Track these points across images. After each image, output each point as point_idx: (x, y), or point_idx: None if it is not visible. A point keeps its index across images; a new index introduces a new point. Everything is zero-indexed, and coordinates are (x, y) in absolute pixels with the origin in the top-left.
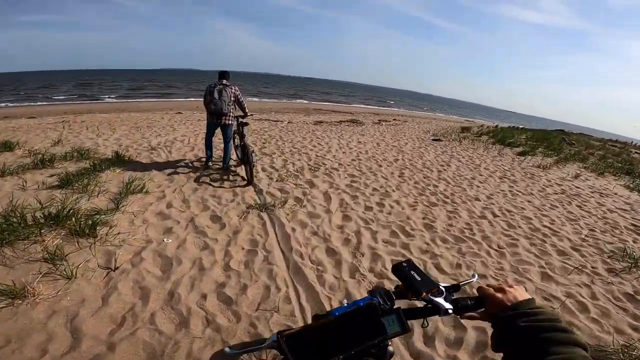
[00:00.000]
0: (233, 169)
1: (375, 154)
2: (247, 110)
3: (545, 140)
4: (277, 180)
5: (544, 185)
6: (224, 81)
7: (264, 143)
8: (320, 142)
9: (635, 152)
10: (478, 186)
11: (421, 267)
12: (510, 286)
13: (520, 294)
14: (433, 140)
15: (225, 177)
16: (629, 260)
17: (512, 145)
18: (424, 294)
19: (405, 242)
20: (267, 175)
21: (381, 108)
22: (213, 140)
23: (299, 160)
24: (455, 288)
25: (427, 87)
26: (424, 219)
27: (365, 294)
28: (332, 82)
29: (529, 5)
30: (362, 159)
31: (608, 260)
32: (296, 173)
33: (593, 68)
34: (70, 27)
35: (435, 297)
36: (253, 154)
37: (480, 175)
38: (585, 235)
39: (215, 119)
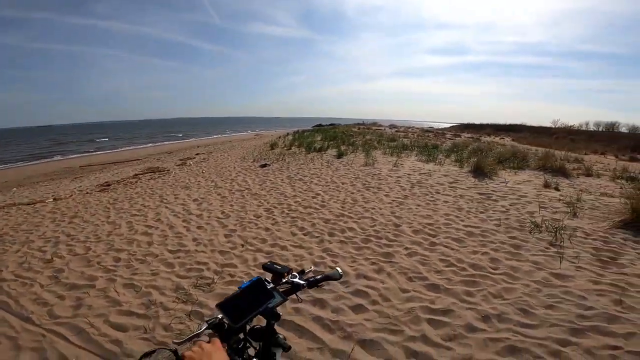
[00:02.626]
0: None
1: (235, 210)
2: None
3: (335, 137)
4: None
5: (400, 183)
6: None
7: (50, 261)
8: (147, 221)
9: (380, 129)
10: (365, 205)
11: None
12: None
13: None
14: (261, 167)
15: None
16: None
17: (321, 150)
18: (285, 275)
19: None
20: None
21: (166, 143)
22: None
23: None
24: (302, 272)
25: (200, 111)
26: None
27: None
28: (80, 125)
29: (271, 21)
30: (230, 223)
31: None
32: None
33: (325, 70)
34: None
35: (294, 278)
36: None
37: (340, 190)
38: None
39: None
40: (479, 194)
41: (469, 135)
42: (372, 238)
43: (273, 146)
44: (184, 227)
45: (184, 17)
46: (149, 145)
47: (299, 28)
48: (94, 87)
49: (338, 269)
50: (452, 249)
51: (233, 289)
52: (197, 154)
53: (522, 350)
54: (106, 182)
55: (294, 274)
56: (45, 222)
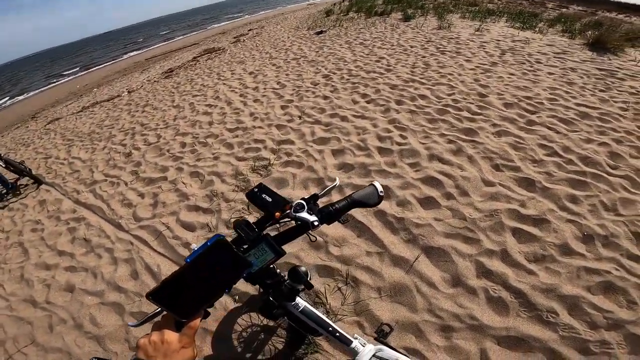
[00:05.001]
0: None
1: (291, 79)
2: None
3: (399, 1)
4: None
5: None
6: None
7: (129, 155)
8: (207, 100)
9: None
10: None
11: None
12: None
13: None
14: (317, 34)
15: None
16: None
17: (383, 13)
18: (277, 213)
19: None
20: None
21: (220, 25)
22: None
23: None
24: (314, 198)
25: None
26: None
27: None
28: (136, 26)
29: None
30: (286, 94)
31: None
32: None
33: None
34: None
35: (299, 212)
36: (22, 162)
37: (415, 54)
38: None
39: None
40: (599, 69)
41: (581, 8)
42: (449, 109)
43: (328, 13)
44: (241, 101)
45: None
46: (193, 34)
47: None
48: None
49: (377, 184)
50: (558, 133)
51: (290, 171)
52: (250, 30)
53: (618, 290)
54: (169, 68)
55: (299, 204)
56: (123, 114)
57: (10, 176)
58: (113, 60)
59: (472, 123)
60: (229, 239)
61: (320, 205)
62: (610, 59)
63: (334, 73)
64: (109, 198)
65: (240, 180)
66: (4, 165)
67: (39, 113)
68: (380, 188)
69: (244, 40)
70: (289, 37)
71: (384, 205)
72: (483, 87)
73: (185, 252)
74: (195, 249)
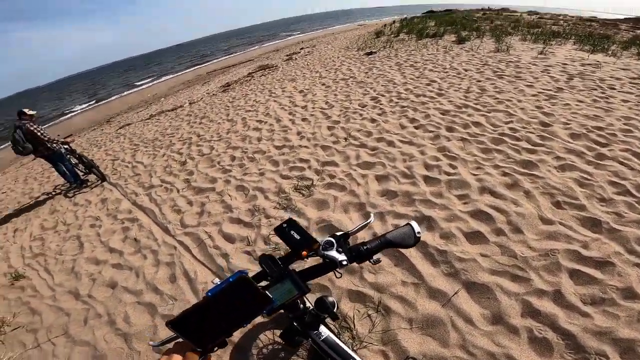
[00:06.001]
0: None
1: (339, 100)
2: (48, 139)
3: (453, 23)
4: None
5: (552, 73)
6: (17, 122)
7: (184, 163)
8: (258, 116)
9: (518, 15)
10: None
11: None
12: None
13: None
14: (367, 55)
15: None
16: None
17: (436, 36)
18: (304, 252)
19: None
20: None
21: (274, 43)
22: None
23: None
24: (345, 236)
25: (304, 9)
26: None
27: None
28: (195, 42)
29: None
30: (334, 114)
31: None
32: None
33: None
34: None
35: (328, 250)
36: (92, 160)
37: (475, 80)
38: None
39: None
40: None
41: None
42: (506, 138)
43: (379, 34)
44: (290, 120)
45: None
46: (250, 49)
47: None
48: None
49: (414, 225)
50: (632, 169)
51: (332, 194)
52: (302, 49)
53: None
54: (227, 83)
55: (328, 242)
56: (183, 124)
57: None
58: (180, 72)
59: (531, 155)
60: (252, 273)
61: (351, 243)
62: None
63: (383, 95)
64: (162, 203)
65: (283, 198)
66: (77, 162)
67: (113, 118)
68: (417, 228)
69: (295, 58)
70: (338, 57)
71: (426, 236)
72: (546, 116)
73: (223, 263)
74: (218, 283)
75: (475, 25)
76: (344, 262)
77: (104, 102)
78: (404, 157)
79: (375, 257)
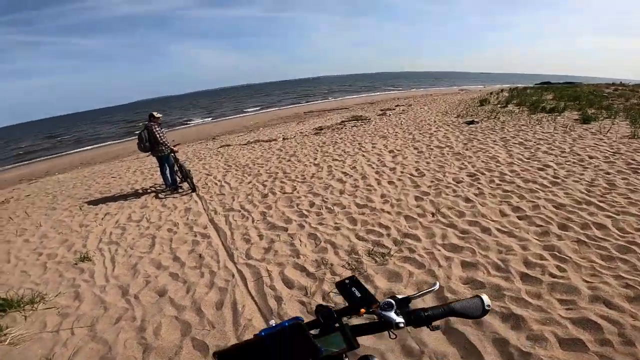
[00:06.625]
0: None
1: (432, 169)
2: (163, 142)
3: (577, 98)
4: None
5: None
6: (147, 123)
7: (266, 196)
8: (344, 167)
9: None
10: None
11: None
12: None
13: None
14: (467, 124)
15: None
16: None
17: (554, 111)
18: (362, 311)
19: None
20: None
21: (370, 95)
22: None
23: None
24: (406, 300)
25: (401, 66)
26: None
27: None
28: (304, 80)
29: None
30: (424, 184)
31: None
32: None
33: (546, 21)
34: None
35: (386, 311)
36: (189, 171)
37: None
38: None
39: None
40: None
41: None
42: (635, 248)
43: (483, 102)
44: (376, 179)
45: None
46: (348, 97)
47: None
48: (309, 47)
49: (484, 297)
50: None
51: (407, 268)
52: (397, 106)
53: None
54: (320, 126)
55: (388, 302)
56: (273, 158)
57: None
58: (282, 106)
59: None
60: (306, 321)
61: (411, 308)
62: None
63: (482, 173)
64: (235, 228)
65: (354, 259)
66: (177, 169)
67: (218, 136)
68: (487, 302)
69: (389, 114)
70: (435, 122)
71: (508, 334)
72: None
73: (274, 305)
74: (273, 325)
75: (606, 103)
76: (401, 325)
77: (216, 120)
78: (499, 248)
79: (434, 323)
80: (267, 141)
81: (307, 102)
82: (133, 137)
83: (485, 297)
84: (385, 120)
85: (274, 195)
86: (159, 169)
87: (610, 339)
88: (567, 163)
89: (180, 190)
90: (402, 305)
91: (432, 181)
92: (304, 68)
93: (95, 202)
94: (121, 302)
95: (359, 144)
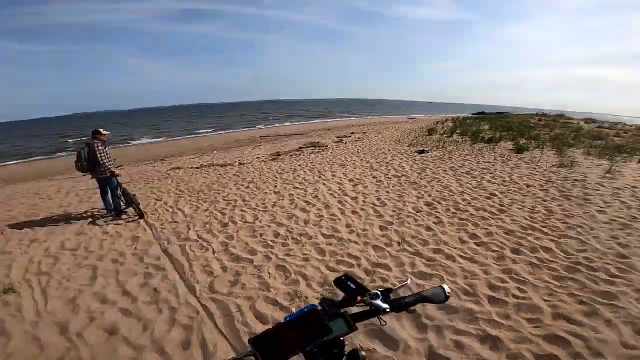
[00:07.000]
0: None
1: (392, 199)
2: (102, 164)
3: (510, 128)
4: None
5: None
6: (89, 140)
7: (226, 225)
8: (306, 196)
9: (572, 122)
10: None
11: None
12: None
13: None
14: (419, 153)
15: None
16: None
17: (492, 141)
18: (359, 298)
19: None
20: None
21: (326, 121)
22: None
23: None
24: (389, 291)
25: (354, 93)
26: None
27: None
28: (260, 103)
29: (425, 3)
30: (386, 214)
31: None
32: None
33: (479, 55)
34: None
35: (374, 300)
36: (135, 196)
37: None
38: None
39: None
40: None
41: None
42: (581, 268)
43: (431, 132)
44: (339, 209)
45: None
46: (305, 123)
47: (456, 10)
48: (271, 68)
49: (445, 287)
50: None
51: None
52: (353, 133)
53: None
54: (277, 152)
55: (374, 294)
56: (230, 184)
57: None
58: (237, 129)
59: (610, 286)
60: None
61: (392, 298)
62: None
63: (439, 203)
64: (194, 259)
65: (328, 291)
66: (120, 194)
67: (167, 158)
68: (448, 290)
69: (346, 142)
70: (390, 150)
71: (491, 356)
72: (623, 247)
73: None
74: (294, 312)
75: (534, 133)
76: (387, 310)
77: (163, 139)
78: (465, 274)
79: (411, 308)
80: (222, 166)
81: (265, 125)
82: (65, 154)
83: (446, 287)
84: (342, 147)
85: (235, 224)
86: (98, 191)
87: (581, 352)
88: (509, 192)
89: (124, 217)
90: (386, 295)
91: (394, 211)
92: (263, 89)
93: (19, 227)
94: (61, 340)
95: (318, 172)
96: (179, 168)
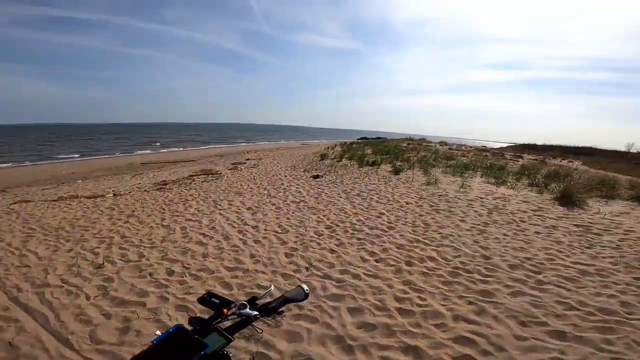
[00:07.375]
0: None
1: (293, 224)
2: None
3: (388, 152)
4: None
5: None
6: None
7: (101, 266)
8: (201, 228)
9: (433, 145)
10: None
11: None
12: None
13: None
14: (314, 178)
15: None
16: None
17: (374, 164)
18: (225, 310)
19: None
20: None
21: (220, 146)
22: None
23: None
24: (254, 299)
25: (248, 118)
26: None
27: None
28: (142, 125)
29: (318, 32)
30: (290, 240)
31: None
32: None
33: (368, 82)
34: None
35: (242, 309)
36: None
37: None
38: None
39: None
40: (575, 225)
41: (532, 157)
42: (460, 271)
43: (323, 157)
44: (240, 239)
45: (237, 24)
46: (195, 148)
47: (345, 39)
48: (158, 89)
49: (303, 285)
50: (568, 290)
51: (303, 325)
52: (248, 159)
53: None
54: (163, 180)
55: (242, 304)
56: (103, 219)
57: None
58: (111, 155)
59: (485, 285)
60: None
61: (259, 304)
62: (579, 214)
63: (337, 225)
64: (60, 307)
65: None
66: None
67: (10, 188)
68: (306, 288)
69: (241, 169)
70: (286, 176)
71: None
72: (484, 249)
73: None
74: (160, 334)
75: (406, 156)
76: (257, 316)
77: (7, 166)
78: (372, 290)
79: (279, 311)
80: (89, 197)
81: (148, 151)
82: None
83: (304, 286)
84: (237, 174)
85: (113, 264)
86: None
87: (487, 349)
88: (394, 210)
89: None
90: (253, 303)
91: (296, 236)
92: (143, 111)
93: None
94: None
95: (213, 201)
96: (27, 201)
